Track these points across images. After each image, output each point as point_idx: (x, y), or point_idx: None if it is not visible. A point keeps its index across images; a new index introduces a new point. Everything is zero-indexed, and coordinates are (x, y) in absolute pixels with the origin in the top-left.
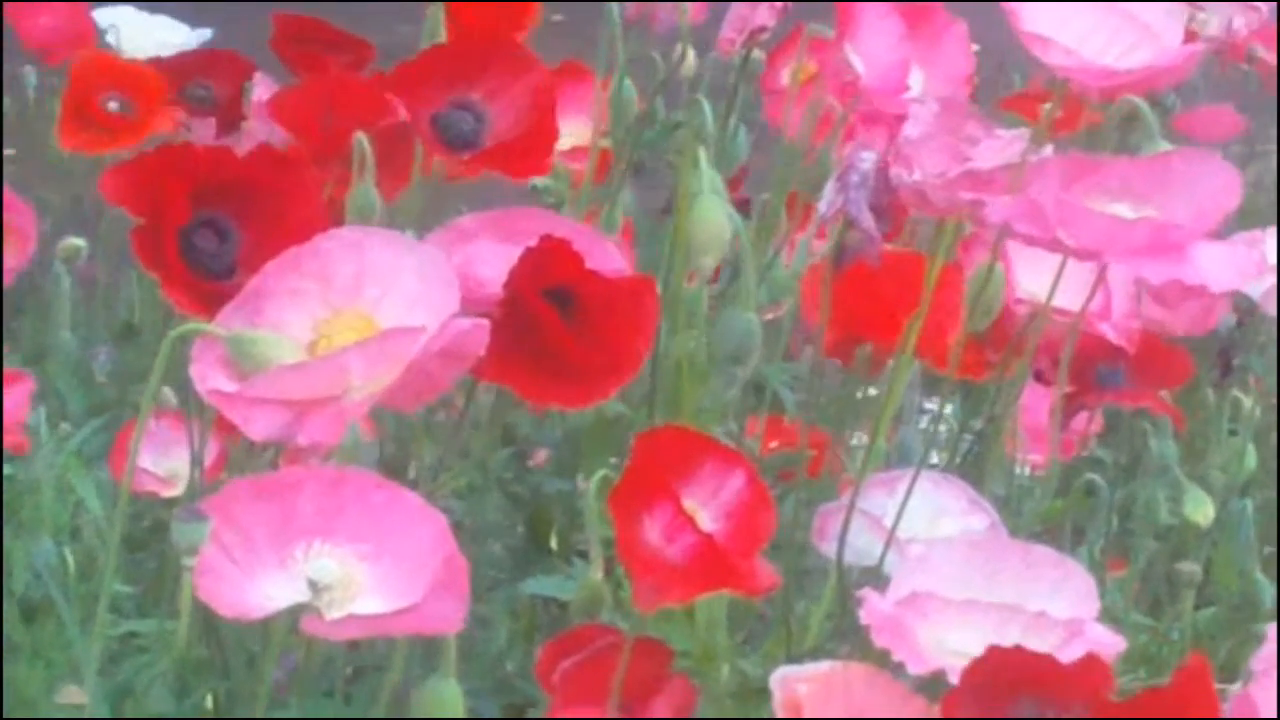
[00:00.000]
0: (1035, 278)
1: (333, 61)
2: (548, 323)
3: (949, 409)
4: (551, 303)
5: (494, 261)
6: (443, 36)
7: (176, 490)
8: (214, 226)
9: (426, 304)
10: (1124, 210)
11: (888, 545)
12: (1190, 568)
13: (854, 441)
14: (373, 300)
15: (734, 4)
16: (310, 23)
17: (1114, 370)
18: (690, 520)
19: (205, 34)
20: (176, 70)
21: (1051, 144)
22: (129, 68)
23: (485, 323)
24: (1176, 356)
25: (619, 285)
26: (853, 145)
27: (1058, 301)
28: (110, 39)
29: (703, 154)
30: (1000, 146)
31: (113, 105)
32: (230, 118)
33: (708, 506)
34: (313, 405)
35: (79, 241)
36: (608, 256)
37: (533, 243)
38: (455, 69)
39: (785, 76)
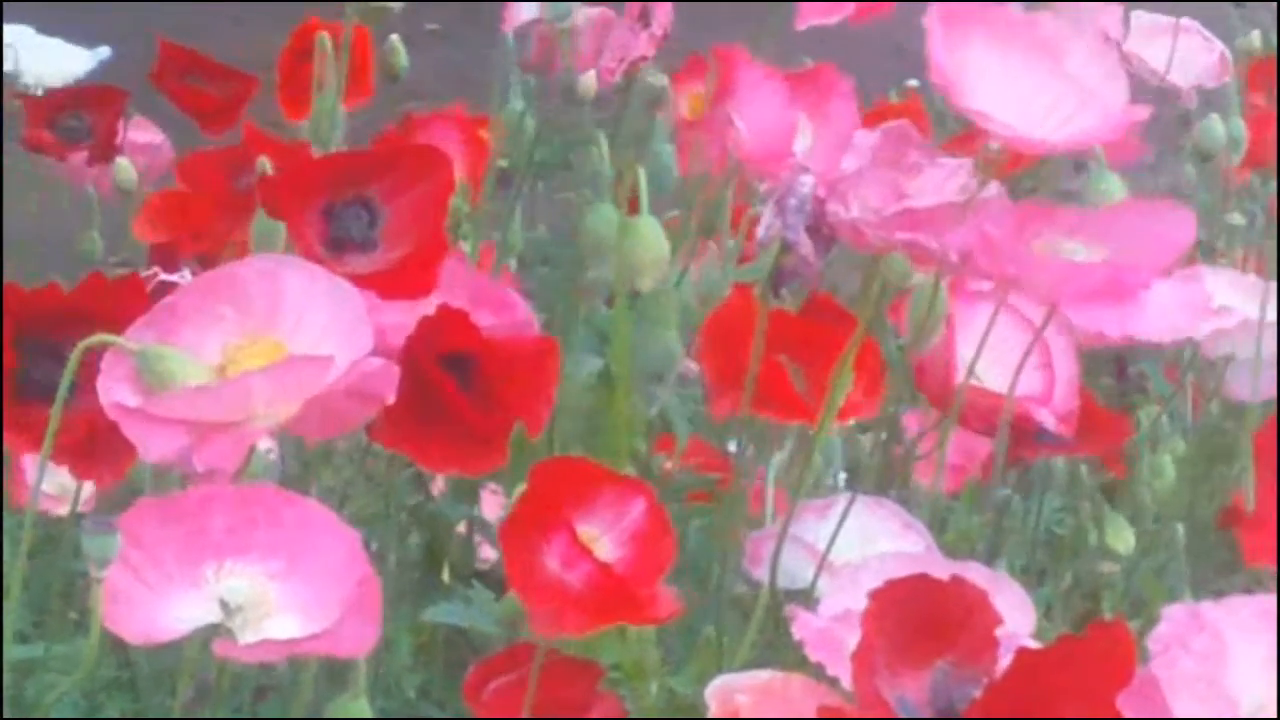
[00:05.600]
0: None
1: (214, 94)
2: (445, 391)
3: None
4: (449, 367)
5: (396, 306)
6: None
7: (66, 508)
8: (53, 358)
9: (338, 338)
10: (1076, 249)
11: (819, 570)
12: (1110, 567)
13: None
14: (286, 329)
15: (613, 33)
16: (192, 56)
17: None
18: (586, 550)
19: (104, 53)
20: (52, 102)
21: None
22: None
23: (394, 365)
24: (1114, 418)
25: (518, 349)
26: (791, 169)
27: (1001, 376)
28: (9, 63)
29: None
30: (944, 176)
31: None
32: (104, 150)
33: (609, 533)
34: (214, 429)
35: None
36: (509, 306)
37: (429, 309)
38: (359, 167)
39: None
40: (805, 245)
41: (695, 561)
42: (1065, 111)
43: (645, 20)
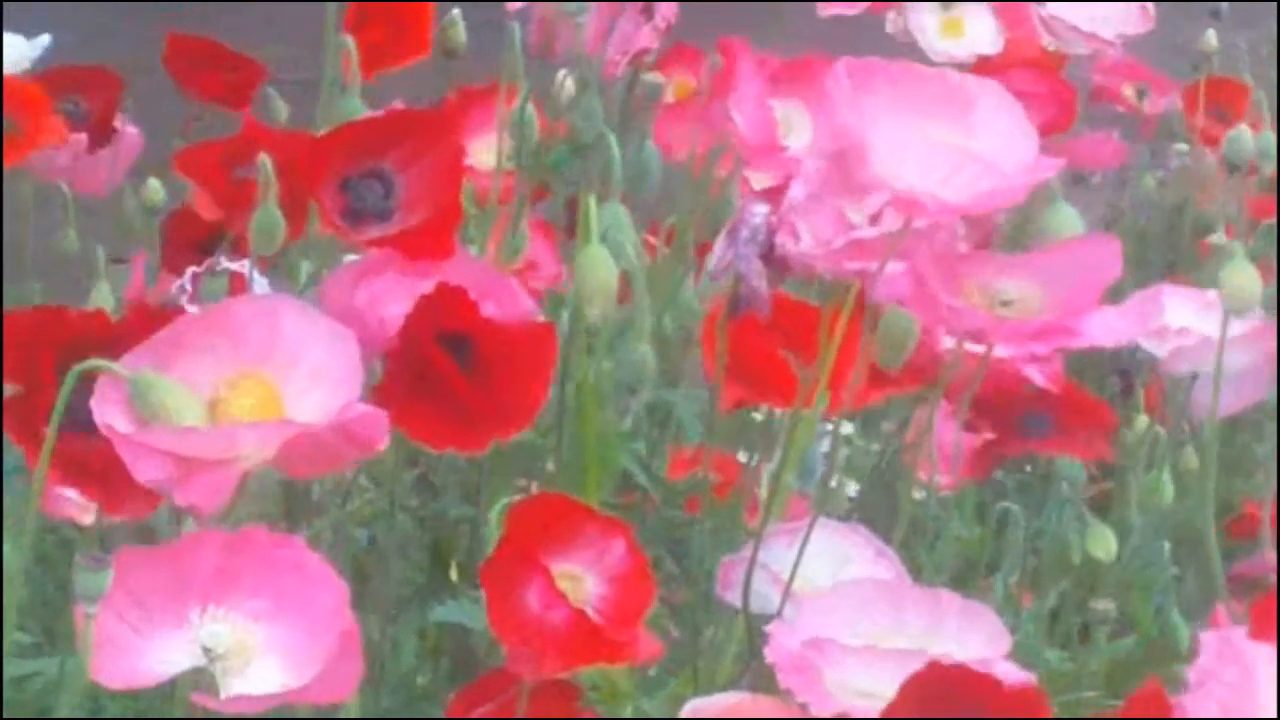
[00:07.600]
0: None
1: (224, 81)
2: (443, 370)
3: (849, 429)
4: (448, 347)
5: (401, 298)
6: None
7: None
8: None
9: (331, 380)
10: (1008, 289)
11: (784, 599)
12: (1104, 605)
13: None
14: (280, 368)
15: (617, 26)
16: (202, 43)
17: (1038, 419)
18: (562, 596)
19: (44, 40)
20: (47, 85)
21: None
22: (10, 83)
23: (384, 414)
24: (1099, 407)
25: (515, 332)
26: (744, 199)
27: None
28: None
29: (593, 200)
30: None
31: None
32: (101, 132)
33: (592, 569)
34: (200, 464)
35: None
36: (511, 297)
37: (429, 288)
38: (371, 139)
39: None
40: (756, 276)
41: (696, 566)
42: (969, 175)
43: (648, 13)
